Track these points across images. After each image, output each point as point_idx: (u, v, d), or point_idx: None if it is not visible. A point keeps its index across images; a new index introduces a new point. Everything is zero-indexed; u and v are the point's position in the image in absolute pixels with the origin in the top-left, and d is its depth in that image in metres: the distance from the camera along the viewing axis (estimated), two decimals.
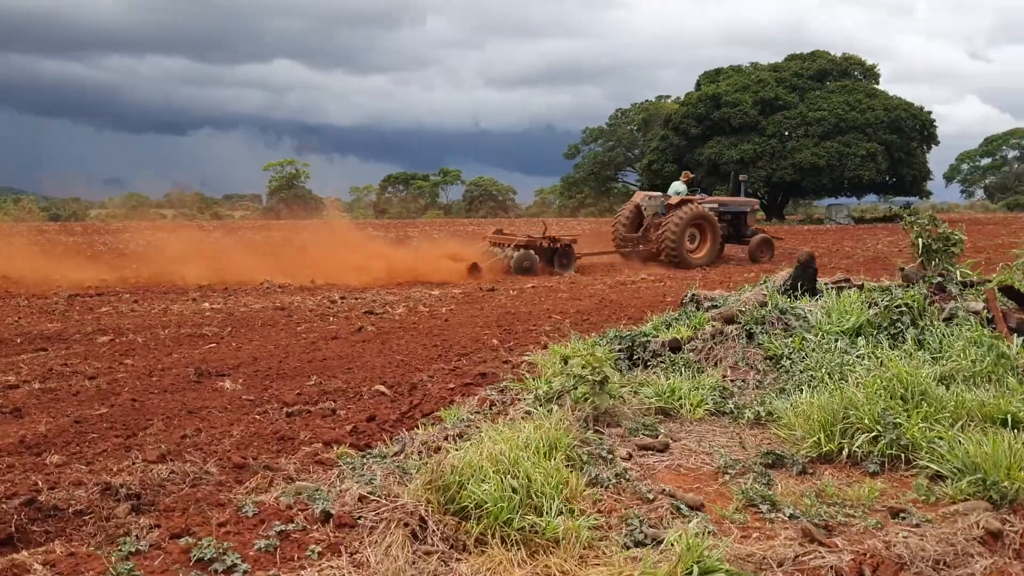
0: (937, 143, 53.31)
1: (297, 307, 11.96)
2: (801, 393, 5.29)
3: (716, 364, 6.44)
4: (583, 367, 5.27)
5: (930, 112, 51.97)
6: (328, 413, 6.20)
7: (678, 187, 20.52)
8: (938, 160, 53.37)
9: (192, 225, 37.31)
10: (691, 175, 21.82)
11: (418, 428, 5.51)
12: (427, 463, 4.19)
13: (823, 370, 5.55)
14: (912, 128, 50.64)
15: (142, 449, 5.28)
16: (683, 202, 19.25)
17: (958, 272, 11.25)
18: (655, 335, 7.01)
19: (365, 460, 4.90)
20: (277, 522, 3.95)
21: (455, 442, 4.95)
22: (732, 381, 6.08)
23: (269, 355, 8.40)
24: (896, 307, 6.32)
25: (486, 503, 3.77)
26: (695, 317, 7.82)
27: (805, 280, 8.46)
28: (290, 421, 6.04)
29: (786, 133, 50.75)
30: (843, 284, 9.14)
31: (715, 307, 8.59)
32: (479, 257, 17.65)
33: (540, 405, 5.43)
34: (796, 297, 8.39)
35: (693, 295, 8.86)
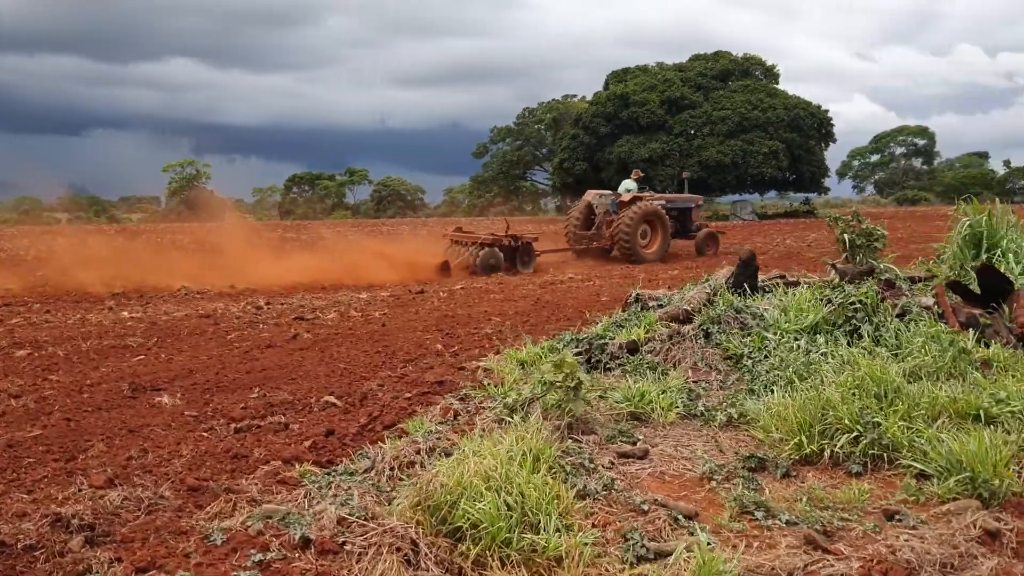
0: (834, 141, 55.42)
1: (222, 314, 11.49)
2: (771, 394, 5.29)
3: (675, 365, 6.40)
4: (555, 373, 5.15)
5: (827, 111, 54.00)
6: (280, 428, 5.90)
7: (629, 185, 21.01)
8: (830, 157, 55.34)
9: (93, 229, 35.73)
10: (641, 173, 22.39)
11: (383, 442, 5.29)
12: (414, 482, 4.00)
13: (789, 370, 5.57)
14: (811, 126, 52.43)
15: (86, 473, 4.92)
16: (635, 199, 19.69)
17: (881, 266, 11.61)
18: (611, 337, 6.94)
19: (332, 478, 4.67)
20: (252, 550, 3.72)
21: (428, 456, 4.78)
22: (695, 382, 6.06)
23: (204, 366, 8.00)
24: (850, 304, 6.40)
25: (482, 523, 3.61)
26: (644, 317, 7.79)
27: (747, 278, 8.54)
28: (240, 438, 5.73)
29: (692, 132, 51.89)
30: (778, 281, 9.28)
31: (660, 306, 8.60)
32: (443, 255, 17.88)
33: (510, 414, 5.28)
34: (739, 295, 8.47)
35: (637, 295, 8.85)
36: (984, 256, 9.27)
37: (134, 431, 5.83)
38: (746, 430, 5.15)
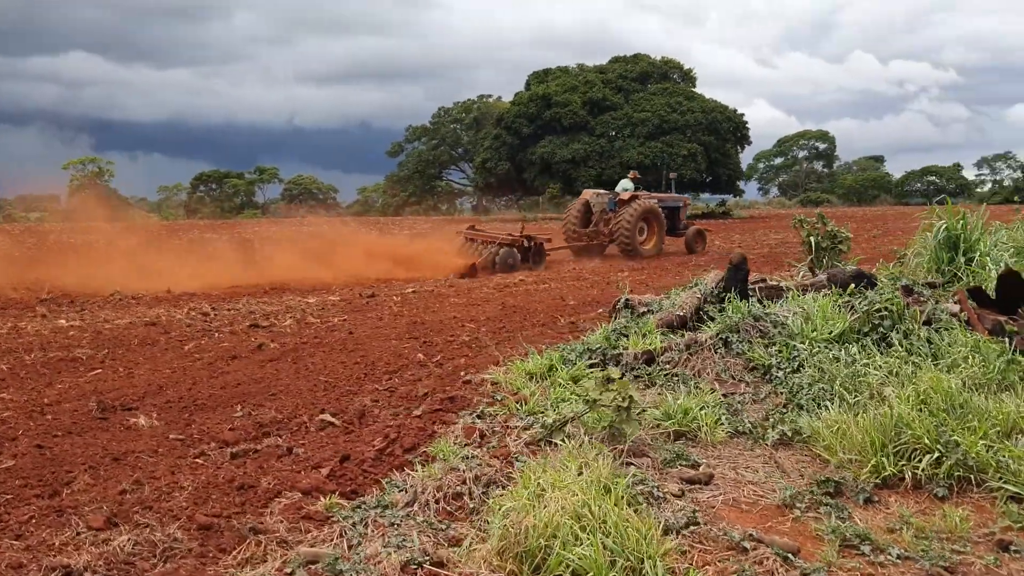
0: (749, 143, 56.62)
1: (169, 322, 10.71)
2: (824, 409, 5.02)
3: (696, 376, 6.10)
4: (600, 390, 4.77)
5: (743, 115, 55.12)
6: (283, 452, 5.36)
7: (626, 184, 21.73)
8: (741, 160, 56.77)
9: None
10: (637, 175, 23.07)
11: (409, 469, 4.83)
12: (503, 524, 3.55)
13: (836, 382, 5.30)
14: (727, 130, 53.44)
15: (79, 512, 4.32)
16: (633, 198, 20.41)
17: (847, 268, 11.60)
18: (624, 346, 6.60)
19: (366, 513, 4.22)
20: None
21: (476, 487, 4.34)
22: (724, 396, 5.76)
23: (171, 382, 7.33)
24: (876, 311, 6.21)
25: (586, 572, 3.20)
26: (644, 324, 7.49)
27: (737, 282, 8.33)
28: (239, 464, 5.17)
29: (613, 133, 52.23)
30: (761, 284, 9.12)
31: (650, 312, 8.32)
32: (457, 253, 18.38)
33: (550, 435, 4.88)
34: (726, 300, 8.25)
35: (627, 300, 8.54)
36: (962, 259, 9.29)
37: (118, 459, 5.20)
38: (804, 449, 4.86)
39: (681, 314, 8.16)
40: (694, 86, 56.80)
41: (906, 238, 30.68)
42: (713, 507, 4.16)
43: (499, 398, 6.04)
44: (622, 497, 3.79)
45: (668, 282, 14.74)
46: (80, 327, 10.17)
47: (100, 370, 7.82)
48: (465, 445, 5.08)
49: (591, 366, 6.31)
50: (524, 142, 52.74)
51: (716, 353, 6.25)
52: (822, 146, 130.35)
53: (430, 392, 6.77)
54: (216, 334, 9.86)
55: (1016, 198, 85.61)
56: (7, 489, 4.65)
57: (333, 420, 6.06)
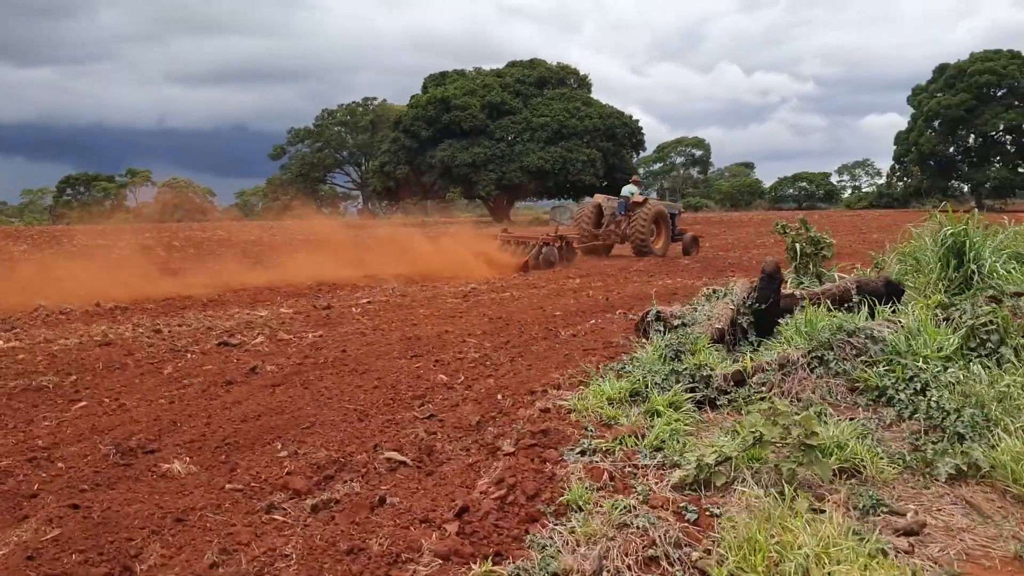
0: (644, 149, 57.48)
1: (124, 341, 9.51)
2: (994, 438, 4.59)
3: (796, 400, 5.61)
4: (768, 424, 4.19)
5: (638, 120, 55.87)
6: (373, 503, 4.57)
7: (632, 189, 22.84)
8: None
9: None
10: (639, 178, 25.01)
11: (545, 522, 4.14)
12: None
13: (991, 407, 4.89)
14: (623, 135, 54.05)
15: None
16: (645, 201, 21.93)
17: (835, 274, 11.44)
18: (710, 367, 6.04)
19: None
20: None
21: (672, 548, 3.70)
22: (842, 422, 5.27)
23: (178, 415, 6.33)
24: (982, 325, 5.87)
25: None
26: (696, 341, 6.97)
27: (771, 292, 7.94)
28: (328, 521, 4.36)
29: (513, 137, 51.95)
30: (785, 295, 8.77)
31: (684, 324, 7.83)
32: (497, 254, 19.52)
33: (706, 476, 4.27)
34: (764, 311, 7.88)
35: (658, 312, 8.01)
36: (973, 266, 9.19)
37: (181, 520, 4.29)
38: (985, 484, 4.41)
39: (719, 327, 7.71)
40: (590, 92, 57.22)
41: (838, 239, 31.51)
42: (951, 564, 3.65)
43: (590, 430, 5.39)
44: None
45: (632, 290, 14.36)
46: (24, 348, 8.87)
47: (85, 403, 6.70)
48: (598, 489, 4.42)
49: (687, 390, 5.72)
50: (423, 146, 51.81)
51: (813, 373, 5.78)
52: (698, 152, 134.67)
53: (483, 421, 6.10)
54: (187, 355, 8.79)
55: (933, 203, 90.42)
56: (68, 568, 3.71)
57: (403, 459, 5.28)
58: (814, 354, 5.94)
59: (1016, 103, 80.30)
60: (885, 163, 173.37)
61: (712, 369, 5.97)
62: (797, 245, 11.51)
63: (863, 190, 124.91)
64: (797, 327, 6.92)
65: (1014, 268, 9.48)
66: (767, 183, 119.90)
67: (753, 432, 4.21)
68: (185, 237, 33.78)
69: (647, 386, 5.79)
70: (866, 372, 5.67)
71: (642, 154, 57.79)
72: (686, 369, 5.90)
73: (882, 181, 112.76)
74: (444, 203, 60.13)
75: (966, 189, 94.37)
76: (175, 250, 25.44)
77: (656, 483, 4.44)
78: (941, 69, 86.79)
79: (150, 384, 7.45)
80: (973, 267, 9.12)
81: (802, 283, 11.38)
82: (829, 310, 9.06)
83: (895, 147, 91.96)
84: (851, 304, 9.40)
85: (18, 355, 8.49)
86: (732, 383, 5.81)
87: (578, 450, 4.95)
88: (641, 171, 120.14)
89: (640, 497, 4.24)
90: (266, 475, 5.01)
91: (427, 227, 44.44)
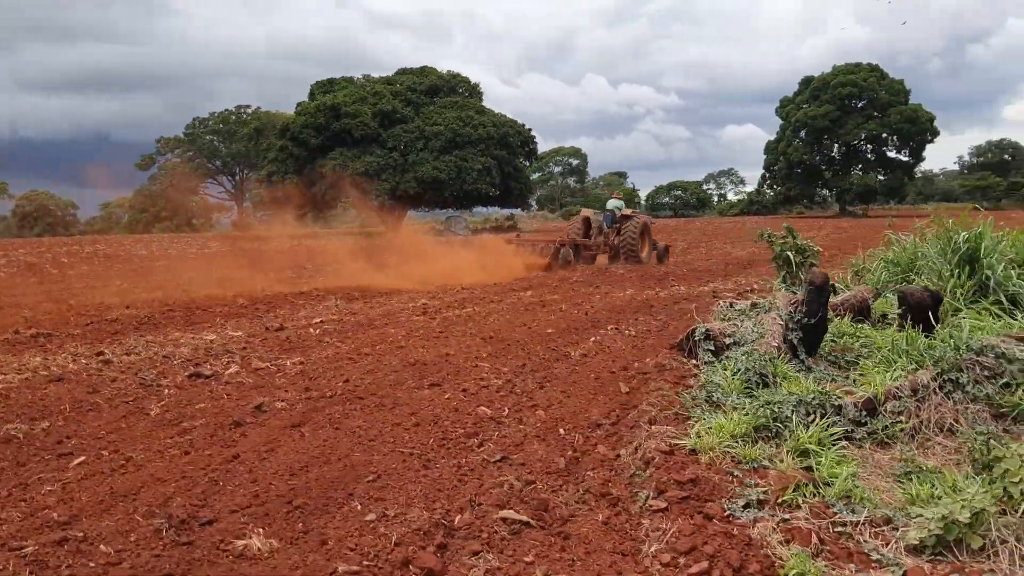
0: (537, 158, 57.23)
1: (76, 376, 8.19)
2: None
3: (938, 430, 5.09)
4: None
5: (531, 129, 55.63)
6: None
7: (618, 203, 24.47)
8: None
9: None
10: (620, 195, 26.26)
11: None
12: None
13: None
14: (517, 144, 53.71)
15: None
16: (633, 215, 23.82)
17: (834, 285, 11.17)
18: (836, 394, 5.45)
19: None
20: None
21: None
22: None
23: (211, 470, 5.29)
24: None
25: None
26: (777, 365, 6.40)
27: (820, 306, 7.48)
28: None
29: (406, 146, 50.78)
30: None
31: (736, 344, 7.28)
32: (518, 255, 22.18)
33: (958, 539, 3.65)
34: (814, 326, 7.43)
35: (707, 330, 7.42)
36: (987, 272, 9.03)
37: None
38: None
39: (775, 344, 7.20)
40: (481, 100, 56.65)
41: (722, 247, 31.88)
42: None
43: (736, 475, 4.69)
44: None
45: (602, 303, 13.79)
46: None
47: (81, 457, 5.54)
48: (815, 557, 3.73)
49: (832, 425, 5.09)
50: (312, 154, 49.94)
51: (950, 399, 5.27)
52: (575, 162, 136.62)
53: (570, 463, 5.38)
54: (164, 390, 7.62)
55: (800, 210, 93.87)
56: None
57: (521, 518, 4.46)
58: (946, 377, 5.43)
59: (875, 114, 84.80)
60: (747, 172, 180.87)
61: (840, 397, 5.38)
62: (788, 254, 11.19)
63: (728, 198, 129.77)
64: (895, 345, 6.44)
65: (1017, 274, 9.38)
66: (642, 192, 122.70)
67: (1007, 480, 3.61)
68: (69, 252, 31.13)
69: (774, 419, 5.14)
70: (1013, 397, 5.19)
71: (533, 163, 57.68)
72: (813, 396, 5.28)
73: (747, 189, 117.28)
74: (334, 214, 58.33)
75: (828, 196, 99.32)
76: (67, 266, 23.27)
77: (883, 546, 3.78)
78: (806, 81, 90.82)
79: (142, 429, 6.32)
80: (988, 273, 8.94)
81: (794, 292, 11.08)
82: (853, 323, 8.70)
83: (765, 156, 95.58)
84: (874, 316, 9.10)
85: None
86: (863, 411, 5.24)
87: (742, 503, 4.25)
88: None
89: (893, 570, 3.56)
90: (369, 547, 4.12)
91: (325, 238, 42.80)
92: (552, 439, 5.94)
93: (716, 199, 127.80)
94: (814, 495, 4.24)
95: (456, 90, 56.02)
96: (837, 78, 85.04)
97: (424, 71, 55.63)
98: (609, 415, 6.44)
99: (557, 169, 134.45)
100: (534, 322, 11.27)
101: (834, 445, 4.81)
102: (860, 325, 8.52)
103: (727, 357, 7.00)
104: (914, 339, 6.31)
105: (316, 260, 24.82)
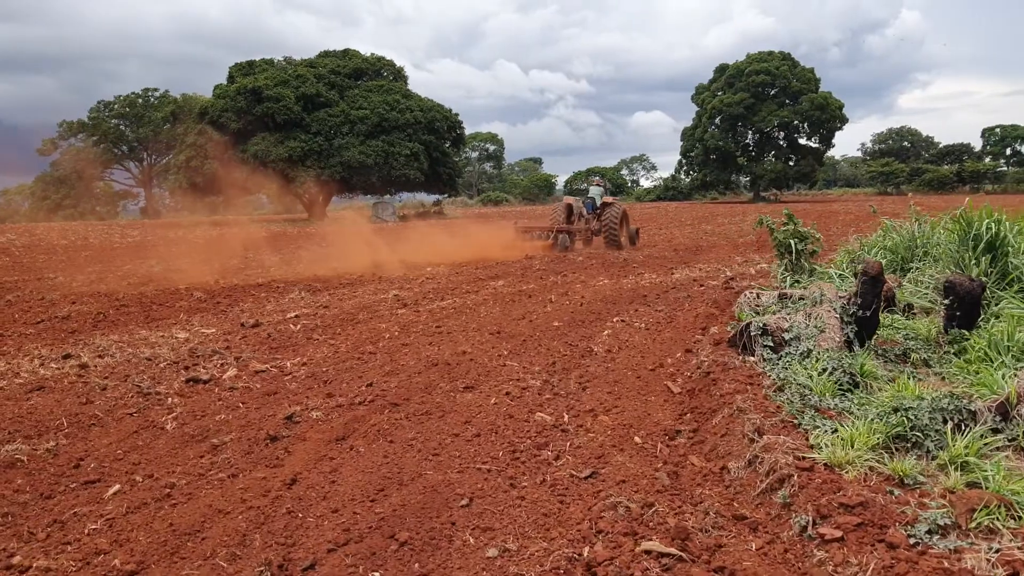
0: (464, 144, 56.38)
1: (58, 385, 7.30)
2: None
3: None
4: None
5: (458, 115, 54.74)
6: None
7: (600, 191, 25.82)
8: None
9: None
10: (598, 180, 27.19)
11: None
12: None
13: None
14: (444, 130, 52.80)
15: None
16: (613, 202, 24.89)
17: (832, 271, 10.95)
18: (965, 398, 5.06)
19: None
20: None
21: None
22: None
23: (272, 495, 4.61)
24: None
25: None
26: (861, 362, 6.02)
27: (875, 297, 7.17)
28: None
29: (331, 131, 49.30)
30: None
31: (797, 339, 6.89)
32: (523, 240, 24.39)
33: None
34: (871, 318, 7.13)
35: (765, 325, 7.01)
36: (1014, 261, 8.88)
37: None
38: None
39: (838, 340, 6.85)
40: (407, 84, 55.42)
41: (659, 232, 31.80)
42: None
43: (896, 494, 4.25)
44: None
45: (588, 293, 13.33)
46: None
47: (116, 486, 4.78)
48: None
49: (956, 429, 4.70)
50: (234, 139, 47.99)
51: None
52: (492, 147, 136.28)
53: (676, 478, 4.88)
54: (168, 399, 6.82)
55: (713, 196, 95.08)
56: None
57: (670, 551, 3.94)
58: None
59: (787, 102, 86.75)
60: (657, 158, 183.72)
61: (971, 400, 5.00)
62: (791, 242, 10.91)
63: (641, 184, 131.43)
64: (992, 340, 6.13)
65: None
66: (557, 177, 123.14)
67: None
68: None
69: (912, 427, 4.72)
70: None
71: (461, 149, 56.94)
72: (948, 403, 4.87)
73: (661, 175, 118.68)
74: (249, 200, 56.46)
75: (743, 182, 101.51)
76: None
77: None
78: (721, 69, 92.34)
79: (165, 447, 5.56)
80: (1013, 261, 8.79)
81: (798, 281, 10.82)
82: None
83: (681, 142, 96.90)
84: (900, 306, 8.85)
85: None
86: (999, 416, 4.88)
87: (924, 528, 3.79)
88: None
89: None
90: None
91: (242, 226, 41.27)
92: (631, 449, 5.45)
93: (631, 185, 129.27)
94: (1009, 517, 3.82)
95: (381, 73, 54.66)
96: (751, 66, 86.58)
97: (347, 53, 54.06)
98: (681, 420, 5.99)
99: (474, 155, 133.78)
100: (532, 315, 10.73)
101: (989, 456, 4.43)
102: (892, 316, 8.27)
103: (787, 354, 6.61)
104: (1012, 334, 6.01)
105: (258, 249, 23.73)
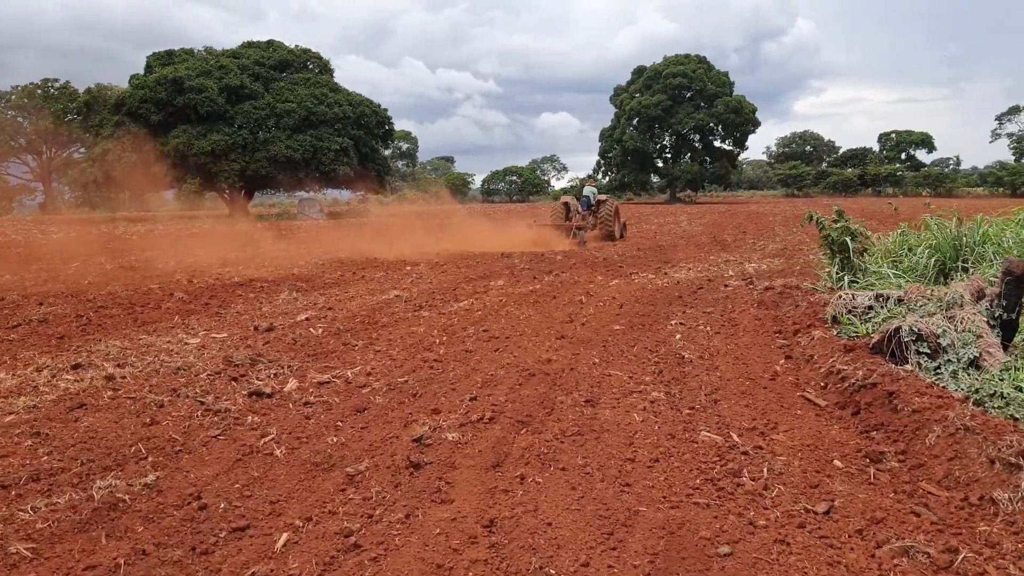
0: (393, 140, 54.96)
1: (98, 402, 6.16)
2: None
3: None
4: None
5: (387, 110, 53.32)
6: None
7: (593, 190, 28.24)
8: None
9: None
10: (592, 179, 30.32)
11: None
12: None
13: None
14: (373, 125, 51.33)
15: None
16: (607, 200, 27.61)
17: (886, 269, 10.53)
18: None
19: None
20: None
21: None
22: None
23: (484, 543, 3.75)
24: None
25: None
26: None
27: (1018, 300, 6.67)
28: None
29: (256, 124, 47.27)
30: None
31: (953, 347, 6.31)
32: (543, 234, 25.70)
33: None
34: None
35: (919, 331, 6.40)
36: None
37: None
38: None
39: (993, 344, 6.33)
40: (333, 77, 53.66)
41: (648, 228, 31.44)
42: None
43: None
44: None
45: (607, 293, 12.65)
46: None
47: (285, 535, 3.80)
48: None
49: None
50: (153, 131, 45.43)
51: None
52: (405, 146, 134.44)
53: (924, 505, 4.23)
54: (248, 416, 5.80)
55: (629, 197, 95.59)
56: None
57: None
58: None
59: (703, 104, 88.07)
60: (566, 159, 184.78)
61: None
62: (846, 239, 10.43)
63: (553, 185, 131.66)
64: None
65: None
66: (473, 176, 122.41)
67: None
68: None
69: None
70: None
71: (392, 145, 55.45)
72: None
73: (576, 175, 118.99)
74: (154, 196, 53.91)
75: (658, 183, 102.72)
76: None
77: None
78: (639, 71, 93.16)
79: (291, 478, 4.62)
80: None
81: (855, 281, 10.35)
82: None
83: (600, 143, 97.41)
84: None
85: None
86: None
87: None
88: None
89: None
90: None
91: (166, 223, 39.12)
92: (839, 474, 4.76)
93: (547, 185, 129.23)
94: None
95: (307, 66, 52.73)
96: (668, 68, 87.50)
97: (271, 44, 51.97)
98: (870, 439, 5.32)
99: (387, 152, 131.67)
100: (578, 317, 9.98)
101: None
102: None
103: (947, 361, 6.04)
104: None
105: (207, 247, 22.25)
